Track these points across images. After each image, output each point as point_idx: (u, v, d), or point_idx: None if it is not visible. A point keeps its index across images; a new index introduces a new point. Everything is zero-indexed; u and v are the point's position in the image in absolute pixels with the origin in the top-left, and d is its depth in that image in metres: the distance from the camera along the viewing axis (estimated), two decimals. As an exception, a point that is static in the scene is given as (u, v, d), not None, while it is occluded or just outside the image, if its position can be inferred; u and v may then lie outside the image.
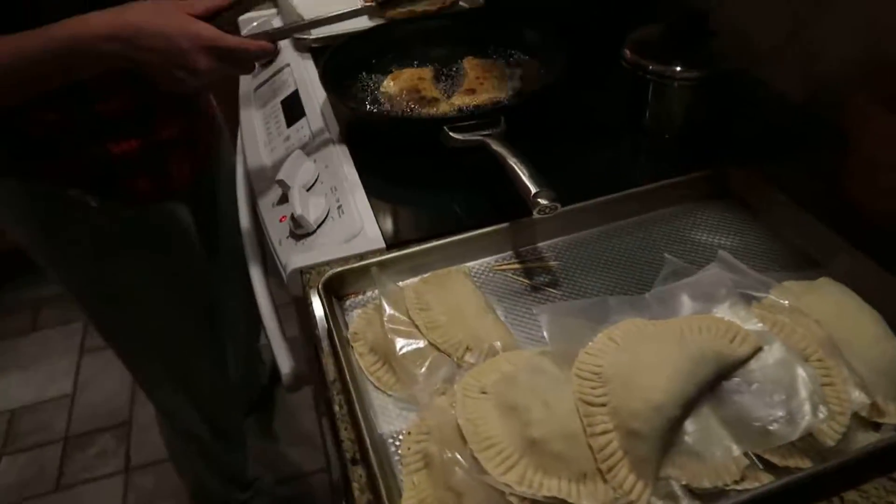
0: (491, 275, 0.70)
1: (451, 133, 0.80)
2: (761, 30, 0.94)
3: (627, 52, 0.87)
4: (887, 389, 0.52)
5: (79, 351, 1.98)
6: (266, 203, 0.90)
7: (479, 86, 0.94)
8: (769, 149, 0.83)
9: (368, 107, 0.95)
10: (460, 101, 0.92)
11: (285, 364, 0.86)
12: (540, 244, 0.73)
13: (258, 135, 1.05)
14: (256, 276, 0.92)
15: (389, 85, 0.97)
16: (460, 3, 1.25)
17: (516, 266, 0.71)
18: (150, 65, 0.69)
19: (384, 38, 1.07)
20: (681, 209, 0.76)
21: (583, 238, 0.74)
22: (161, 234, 0.99)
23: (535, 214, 0.63)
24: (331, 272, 0.67)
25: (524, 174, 0.65)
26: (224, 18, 0.74)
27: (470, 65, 1.01)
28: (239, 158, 1.09)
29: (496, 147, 0.73)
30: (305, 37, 1.17)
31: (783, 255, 0.69)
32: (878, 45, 0.78)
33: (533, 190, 0.63)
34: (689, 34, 0.84)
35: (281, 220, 0.85)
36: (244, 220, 0.98)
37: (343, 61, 1.00)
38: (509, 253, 0.73)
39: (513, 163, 0.68)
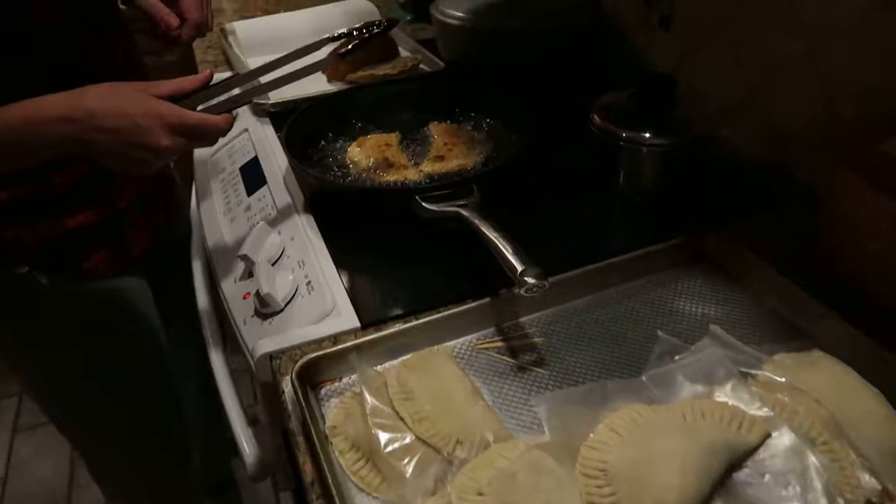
0: (475, 354, 0.67)
1: (423, 203, 0.78)
2: (719, 94, 0.96)
3: (597, 118, 0.87)
4: (896, 472, 0.50)
5: (11, 430, 1.84)
6: (227, 278, 0.86)
7: (447, 152, 0.92)
8: (741, 210, 0.83)
9: (334, 175, 0.91)
10: (430, 168, 0.90)
11: (249, 452, 0.80)
12: (522, 319, 0.71)
13: (216, 204, 1.00)
14: (216, 358, 0.87)
15: (355, 151, 0.95)
16: (421, 66, 1.24)
17: (500, 344, 0.67)
18: (109, 147, 0.65)
19: (347, 103, 1.05)
20: (662, 276, 0.75)
21: (566, 310, 0.71)
22: (117, 311, 0.92)
23: (523, 293, 0.60)
24: (305, 359, 0.63)
25: (507, 250, 0.63)
26: (186, 103, 0.70)
27: (436, 130, 0.99)
28: (195, 229, 1.04)
29: (472, 219, 0.71)
30: (264, 101, 1.14)
31: (770, 324, 0.68)
32: (832, 104, 0.80)
33: (519, 268, 0.60)
34: (656, 99, 0.85)
35: (245, 297, 0.81)
36: (202, 296, 0.93)
37: (305, 127, 0.97)
38: (491, 329, 0.70)
39: (493, 237, 0.66)
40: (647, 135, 0.83)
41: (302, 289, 0.77)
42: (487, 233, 0.67)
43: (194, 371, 1.11)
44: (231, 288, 0.84)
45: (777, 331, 0.67)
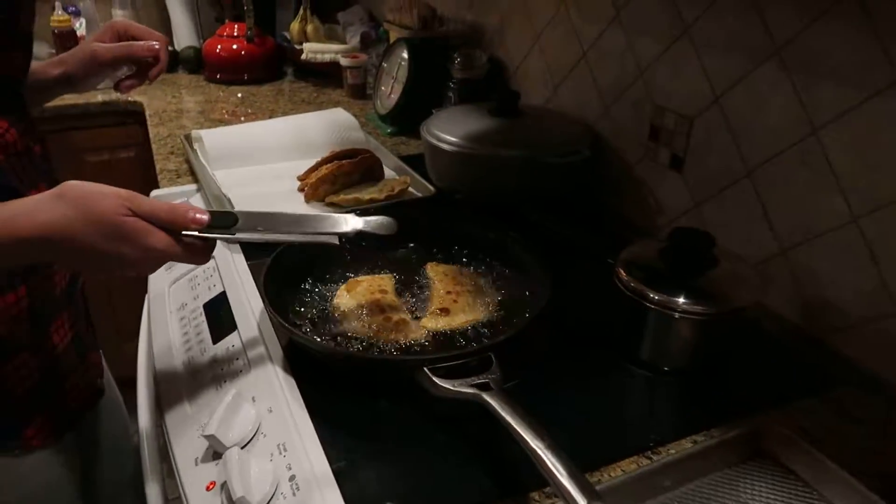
0: None
1: (434, 378, 0.65)
2: (743, 251, 0.89)
3: (623, 273, 0.78)
4: None
5: None
6: (185, 458, 0.70)
7: (451, 304, 0.81)
8: (787, 392, 0.74)
9: (321, 332, 0.78)
10: (433, 324, 0.78)
11: None
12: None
13: (174, 351, 0.85)
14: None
15: (344, 297, 0.82)
16: (409, 189, 1.14)
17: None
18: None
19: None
20: (718, 477, 0.64)
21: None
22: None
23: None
24: None
25: (558, 470, 0.51)
26: None
27: (435, 273, 0.88)
28: (141, 382, 0.88)
29: (499, 410, 0.59)
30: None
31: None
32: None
33: (583, 502, 0.48)
34: (690, 258, 0.76)
35: (208, 489, 0.65)
36: (151, 477, 0.76)
37: (283, 267, 0.84)
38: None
39: (536, 446, 0.53)
40: (682, 300, 0.73)
41: (283, 487, 0.62)
42: (524, 434, 0.55)
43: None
44: (190, 473, 0.68)
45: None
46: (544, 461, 0.52)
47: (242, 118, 1.60)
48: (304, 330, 0.78)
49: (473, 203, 1.10)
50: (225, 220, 0.68)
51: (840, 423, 0.69)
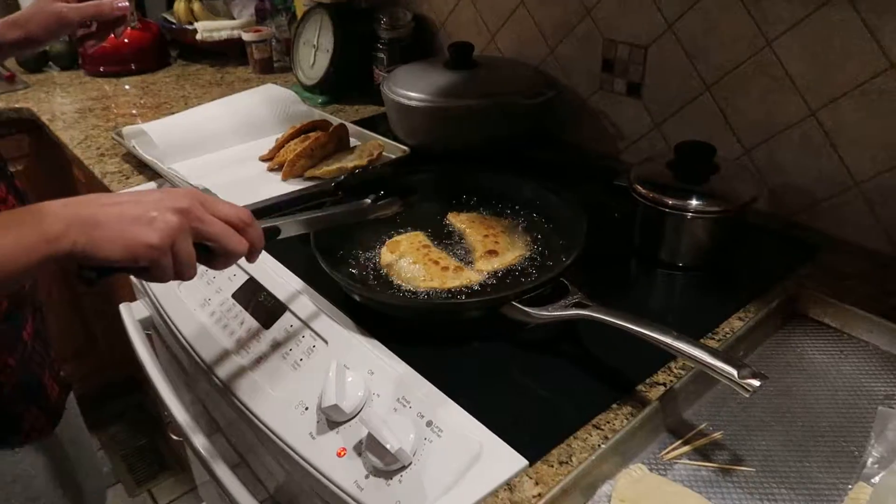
0: (670, 466, 0.61)
1: (528, 309, 0.71)
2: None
3: (640, 188, 0.87)
4: None
5: None
6: (295, 436, 0.70)
7: (495, 245, 0.86)
8: (790, 265, 0.87)
9: (387, 291, 0.81)
10: (487, 266, 0.83)
11: None
12: (685, 414, 0.67)
13: (225, 347, 0.83)
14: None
15: (390, 257, 0.85)
16: (384, 153, 1.16)
17: (686, 449, 0.63)
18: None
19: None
20: (773, 341, 0.76)
21: (719, 394, 0.68)
22: None
23: (746, 396, 0.56)
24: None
25: (701, 354, 0.59)
26: None
27: (460, 221, 0.92)
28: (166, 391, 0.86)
29: (615, 320, 0.66)
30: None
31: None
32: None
33: (735, 371, 0.56)
34: (695, 166, 0.87)
35: (340, 455, 0.67)
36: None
37: (322, 242, 0.85)
38: (665, 434, 0.65)
39: (669, 340, 0.61)
40: (695, 202, 0.83)
41: (424, 431, 0.65)
42: (650, 333, 0.63)
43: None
44: (310, 447, 0.69)
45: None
46: (683, 350, 0.60)
47: (171, 110, 1.50)
48: (374, 289, 0.80)
49: (449, 155, 1.15)
50: (272, 234, 0.69)
51: (839, 279, 0.84)
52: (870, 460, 0.57)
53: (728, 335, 0.75)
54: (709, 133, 1.03)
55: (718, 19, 0.96)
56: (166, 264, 0.54)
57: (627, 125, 1.15)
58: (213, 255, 0.59)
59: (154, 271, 0.54)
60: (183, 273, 0.55)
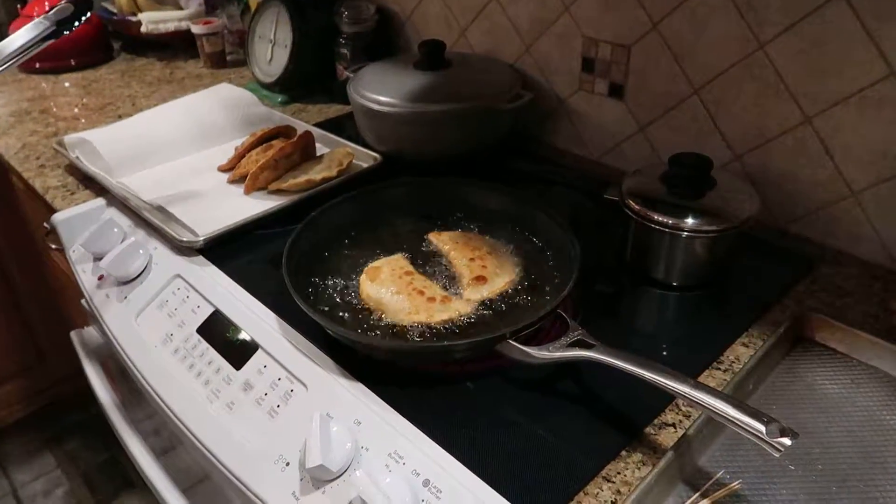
0: (688, 524, 0.57)
1: (525, 348, 0.66)
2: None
3: (632, 203, 0.82)
4: None
5: None
6: (276, 496, 0.64)
7: (482, 269, 0.80)
8: (787, 282, 0.84)
9: (367, 328, 0.74)
10: (476, 295, 0.77)
11: None
12: (700, 462, 0.62)
13: (190, 392, 0.76)
14: None
15: (370, 287, 0.78)
16: (354, 161, 1.09)
17: (706, 503, 0.58)
18: None
19: (325, 224, 0.86)
20: (781, 369, 0.72)
21: (731, 436, 0.64)
22: None
23: (775, 455, 0.52)
24: None
25: (723, 406, 0.54)
26: None
27: (442, 242, 0.86)
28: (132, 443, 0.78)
29: (623, 364, 0.61)
30: (192, 238, 0.90)
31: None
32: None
33: (763, 428, 0.52)
34: (693, 181, 0.82)
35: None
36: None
37: (294, 269, 0.78)
38: (681, 485, 0.60)
39: (684, 390, 0.57)
40: (691, 221, 0.79)
41: (421, 492, 0.60)
42: (664, 380, 0.58)
43: None
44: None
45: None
46: (704, 401, 0.55)
47: (118, 111, 1.39)
48: (353, 330, 0.73)
49: (423, 162, 1.08)
50: None
51: (839, 295, 0.80)
52: (900, 512, 0.54)
53: (735, 364, 0.71)
54: (697, 138, 0.98)
55: (707, 19, 0.91)
56: None
57: (610, 128, 1.09)
58: None
59: None
60: None
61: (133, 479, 1.80)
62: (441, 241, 0.86)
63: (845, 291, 0.82)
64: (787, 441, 0.51)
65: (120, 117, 1.26)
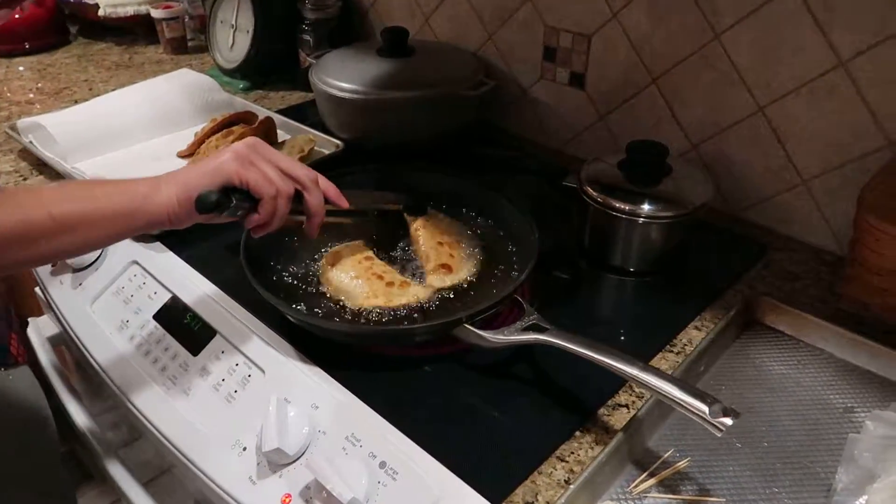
0: (639, 500, 0.58)
1: (480, 332, 0.66)
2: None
3: (590, 190, 0.83)
4: None
5: None
6: (233, 481, 0.64)
7: (449, 258, 0.80)
8: (740, 267, 0.86)
9: (328, 312, 0.74)
10: (438, 283, 0.77)
11: None
12: (649, 444, 0.64)
13: (147, 378, 0.75)
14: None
15: (331, 272, 0.78)
16: (316, 148, 1.08)
17: (652, 482, 0.60)
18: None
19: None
20: (732, 352, 0.74)
21: (680, 417, 0.66)
22: None
23: (718, 434, 0.53)
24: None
25: (669, 388, 0.55)
26: None
27: (417, 224, 0.86)
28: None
29: (576, 348, 0.62)
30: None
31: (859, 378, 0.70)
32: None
33: (706, 409, 0.53)
34: (649, 168, 0.83)
35: (284, 502, 0.61)
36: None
37: (253, 255, 0.77)
38: (630, 466, 0.62)
39: (634, 372, 0.58)
40: (647, 207, 0.80)
41: (377, 474, 0.60)
42: (614, 363, 0.59)
43: None
44: (252, 493, 0.63)
45: (870, 383, 0.69)
46: (651, 383, 0.56)
47: (74, 96, 1.36)
48: (311, 314, 0.73)
49: (387, 149, 1.08)
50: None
51: (789, 279, 0.83)
52: (840, 486, 0.55)
53: (687, 347, 0.73)
54: (655, 127, 1.00)
55: (665, 9, 0.93)
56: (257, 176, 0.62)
57: (571, 116, 1.11)
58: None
59: (255, 186, 0.62)
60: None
61: (92, 471, 1.76)
62: (417, 223, 0.86)
63: (795, 276, 0.84)
64: (728, 421, 0.52)
65: (76, 102, 1.23)
